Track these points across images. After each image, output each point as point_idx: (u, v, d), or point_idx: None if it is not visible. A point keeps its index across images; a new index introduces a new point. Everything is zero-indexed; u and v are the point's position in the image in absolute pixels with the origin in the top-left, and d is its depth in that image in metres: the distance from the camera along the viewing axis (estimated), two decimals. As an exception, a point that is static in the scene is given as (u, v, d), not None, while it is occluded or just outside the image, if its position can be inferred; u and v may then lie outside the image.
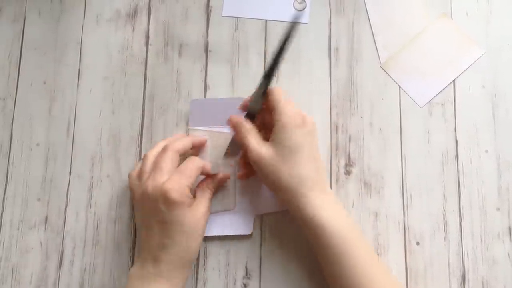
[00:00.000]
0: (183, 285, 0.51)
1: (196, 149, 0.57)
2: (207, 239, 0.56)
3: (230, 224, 0.56)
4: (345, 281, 0.49)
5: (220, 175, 0.56)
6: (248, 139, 0.52)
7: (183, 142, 0.54)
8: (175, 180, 0.51)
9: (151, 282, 0.49)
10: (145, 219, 0.52)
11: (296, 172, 0.51)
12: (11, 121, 0.60)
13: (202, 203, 0.53)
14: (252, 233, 0.56)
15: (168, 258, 0.50)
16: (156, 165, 0.52)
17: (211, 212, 0.55)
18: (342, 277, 0.49)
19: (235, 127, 0.54)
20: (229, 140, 0.56)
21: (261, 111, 0.55)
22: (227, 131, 0.57)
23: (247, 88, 0.60)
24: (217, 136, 0.57)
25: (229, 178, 0.56)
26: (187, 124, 0.59)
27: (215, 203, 0.56)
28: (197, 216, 0.51)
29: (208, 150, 0.57)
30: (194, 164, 0.53)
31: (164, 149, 0.53)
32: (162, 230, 0.50)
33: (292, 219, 0.53)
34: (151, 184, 0.51)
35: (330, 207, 0.51)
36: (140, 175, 0.53)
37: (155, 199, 0.50)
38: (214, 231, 0.56)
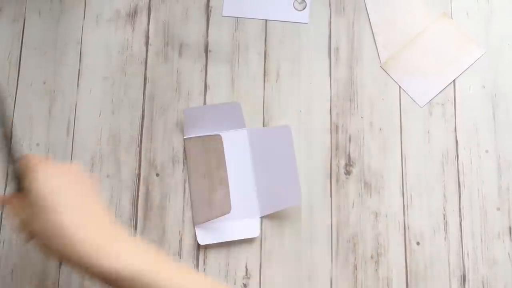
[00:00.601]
0: None
1: None
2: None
3: (236, 228, 0.56)
4: None
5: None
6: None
7: None
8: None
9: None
10: None
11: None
12: (11, 121, 0.60)
13: None
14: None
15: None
16: None
17: (233, 217, 0.56)
18: None
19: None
20: (228, 143, 0.57)
21: None
22: (224, 134, 0.58)
23: (247, 88, 0.60)
24: (210, 140, 0.58)
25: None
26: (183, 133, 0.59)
27: (236, 209, 0.56)
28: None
29: (203, 155, 0.58)
30: None
31: None
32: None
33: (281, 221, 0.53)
34: None
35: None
36: None
37: None
38: (221, 237, 0.56)
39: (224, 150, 0.57)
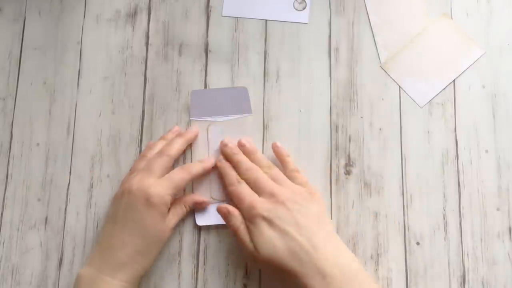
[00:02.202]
0: None
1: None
2: (206, 237, 0.56)
3: None
4: None
5: (201, 199, 0.56)
6: (239, 238, 0.51)
7: (178, 147, 0.55)
8: (162, 186, 0.52)
9: (97, 279, 0.50)
10: (119, 213, 0.52)
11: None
12: (11, 121, 0.60)
13: (173, 219, 0.54)
14: None
15: (122, 257, 0.50)
16: (148, 166, 0.54)
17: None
18: None
19: (224, 216, 0.52)
20: (231, 127, 0.58)
21: None
22: (228, 119, 0.58)
23: (247, 88, 0.60)
24: (217, 125, 0.58)
25: (208, 205, 0.56)
26: (189, 115, 0.59)
27: (212, 192, 0.57)
28: (164, 229, 0.53)
29: (209, 139, 0.58)
30: (185, 175, 0.54)
31: (160, 153, 0.55)
32: (129, 227, 0.51)
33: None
34: (137, 183, 0.52)
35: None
36: (132, 171, 0.55)
37: (136, 198, 0.51)
38: (219, 220, 0.55)
39: (228, 134, 0.58)
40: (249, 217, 0.50)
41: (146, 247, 0.51)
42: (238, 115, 0.59)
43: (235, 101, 0.59)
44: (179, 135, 0.57)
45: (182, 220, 0.56)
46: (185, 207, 0.55)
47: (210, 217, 0.56)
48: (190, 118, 0.59)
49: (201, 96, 0.59)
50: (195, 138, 0.57)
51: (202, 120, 0.58)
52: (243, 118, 0.59)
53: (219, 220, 0.55)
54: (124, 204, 0.52)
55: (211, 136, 0.58)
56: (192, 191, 0.57)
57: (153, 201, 0.51)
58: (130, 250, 0.51)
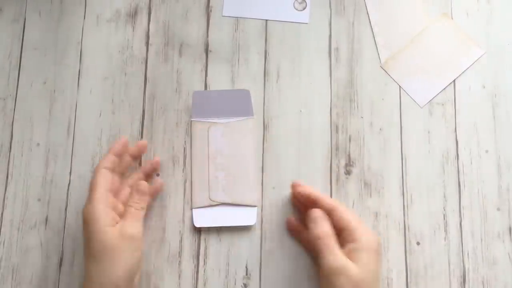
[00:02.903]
0: None
1: (120, 153, 0.54)
2: (207, 237, 0.56)
3: (233, 215, 0.56)
4: None
5: (151, 189, 0.54)
6: (331, 244, 0.49)
7: (105, 157, 0.53)
8: (89, 198, 0.50)
9: None
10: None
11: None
12: (11, 121, 0.60)
13: (128, 223, 0.50)
14: (254, 224, 0.56)
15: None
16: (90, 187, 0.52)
17: (231, 203, 0.56)
18: None
19: (315, 221, 0.51)
20: (232, 129, 0.57)
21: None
22: (229, 121, 0.58)
23: (247, 88, 0.60)
24: (218, 127, 0.58)
25: (160, 191, 0.55)
26: (190, 116, 0.59)
27: (235, 196, 0.56)
28: (119, 236, 0.49)
29: (209, 141, 0.58)
30: (98, 178, 0.51)
31: (95, 170, 0.53)
32: (86, 255, 0.49)
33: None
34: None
35: None
36: None
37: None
38: (216, 222, 0.56)
39: (228, 137, 0.58)
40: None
41: (108, 266, 0.48)
42: (239, 117, 0.58)
43: (237, 103, 0.59)
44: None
45: (181, 221, 0.56)
46: (137, 207, 0.52)
47: (208, 219, 0.56)
48: (191, 119, 0.58)
49: (203, 97, 0.59)
50: (119, 148, 0.54)
51: (203, 121, 0.58)
52: (245, 120, 0.58)
53: (217, 222, 0.55)
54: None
55: (211, 138, 0.58)
56: (191, 193, 0.57)
57: (83, 216, 0.50)
58: (95, 277, 0.48)
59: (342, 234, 0.50)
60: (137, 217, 0.52)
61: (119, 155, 0.54)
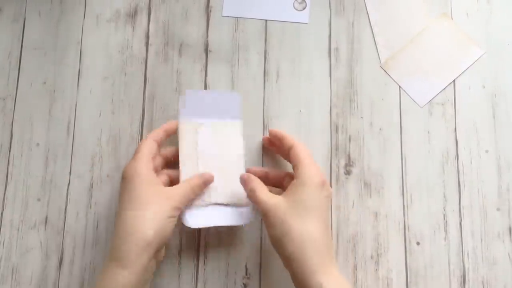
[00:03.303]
0: (145, 274, 0.48)
1: (169, 133, 0.56)
2: (207, 237, 0.56)
3: (226, 214, 0.55)
4: None
5: (206, 175, 0.55)
6: (257, 191, 0.51)
7: (155, 131, 0.55)
8: (134, 158, 0.52)
9: (107, 270, 0.48)
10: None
11: (309, 231, 0.48)
12: (11, 121, 0.60)
13: (176, 192, 0.51)
14: (247, 224, 0.55)
15: (121, 236, 0.48)
16: (134, 152, 0.54)
17: (224, 204, 0.55)
18: None
19: (244, 182, 0.53)
20: (221, 131, 0.57)
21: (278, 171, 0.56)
22: (219, 121, 0.57)
23: (247, 88, 0.60)
24: (207, 127, 0.57)
25: (212, 179, 0.55)
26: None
27: (227, 196, 0.55)
28: (157, 195, 0.50)
29: (198, 141, 0.57)
30: (145, 143, 0.53)
31: (142, 140, 0.55)
32: (119, 205, 0.50)
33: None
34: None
35: (338, 282, 0.47)
36: None
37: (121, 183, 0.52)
38: (210, 221, 0.55)
39: (218, 138, 0.57)
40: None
41: (135, 217, 0.49)
42: (228, 120, 0.57)
43: (226, 106, 0.58)
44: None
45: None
46: (193, 189, 0.53)
47: (200, 219, 0.55)
48: (179, 119, 0.56)
49: (193, 97, 0.58)
50: (170, 128, 0.56)
51: (192, 121, 0.57)
52: (233, 123, 0.57)
53: (210, 222, 0.54)
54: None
55: (200, 139, 0.57)
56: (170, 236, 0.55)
57: (123, 173, 0.51)
58: (121, 228, 0.49)
59: (294, 170, 0.52)
60: (186, 192, 0.52)
61: (168, 133, 0.56)
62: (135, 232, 0.48)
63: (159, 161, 0.55)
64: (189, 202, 0.54)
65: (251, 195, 0.52)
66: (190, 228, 0.54)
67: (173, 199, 0.51)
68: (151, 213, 0.49)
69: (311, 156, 0.52)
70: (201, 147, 0.56)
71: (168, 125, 0.56)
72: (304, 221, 0.48)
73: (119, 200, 0.51)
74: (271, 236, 0.49)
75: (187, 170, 0.55)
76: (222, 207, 0.55)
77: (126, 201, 0.50)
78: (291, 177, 0.53)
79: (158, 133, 0.55)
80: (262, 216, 0.50)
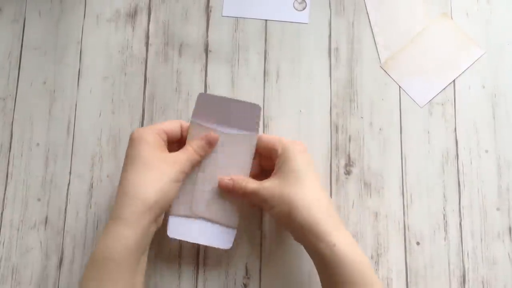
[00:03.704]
0: (145, 237, 0.48)
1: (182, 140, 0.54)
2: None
3: (209, 233, 0.54)
4: None
5: (209, 136, 0.53)
6: (247, 184, 0.51)
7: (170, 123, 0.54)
8: (145, 126, 0.52)
9: (110, 228, 0.48)
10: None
11: (310, 195, 0.49)
12: (11, 121, 0.60)
13: (179, 154, 0.52)
14: (227, 248, 0.54)
15: (123, 197, 0.48)
16: None
17: (212, 220, 0.54)
18: None
19: (228, 185, 0.53)
20: (232, 142, 0.54)
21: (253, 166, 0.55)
22: (231, 132, 0.54)
23: (247, 88, 0.60)
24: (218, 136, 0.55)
25: (216, 139, 0.53)
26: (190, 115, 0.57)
27: (217, 213, 0.54)
28: (163, 159, 0.50)
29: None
30: (168, 121, 0.53)
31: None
32: (123, 167, 0.50)
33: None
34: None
35: (348, 240, 0.48)
36: None
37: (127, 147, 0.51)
38: (191, 237, 0.53)
39: (226, 150, 0.54)
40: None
41: (139, 177, 0.49)
42: (243, 131, 0.54)
43: (244, 116, 0.54)
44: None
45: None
46: (195, 150, 0.53)
47: (183, 232, 0.53)
48: (191, 119, 0.54)
49: (208, 101, 0.54)
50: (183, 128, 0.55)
51: (203, 125, 0.54)
52: (247, 136, 0.54)
53: (192, 237, 0.53)
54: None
55: None
56: (172, 202, 0.53)
57: (132, 135, 0.51)
58: (125, 186, 0.50)
59: (272, 157, 0.53)
60: (190, 156, 0.52)
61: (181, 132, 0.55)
62: (138, 194, 0.48)
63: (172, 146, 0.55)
64: (195, 165, 0.53)
65: (242, 191, 0.52)
66: (168, 237, 0.53)
67: (178, 163, 0.51)
68: (155, 176, 0.49)
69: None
70: (207, 155, 0.54)
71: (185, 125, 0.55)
72: (302, 189, 0.49)
73: (124, 162, 0.51)
74: (277, 215, 0.50)
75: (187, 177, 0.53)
76: (209, 225, 0.54)
77: (130, 164, 0.50)
78: (275, 151, 0.52)
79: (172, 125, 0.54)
80: (262, 204, 0.51)
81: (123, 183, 0.49)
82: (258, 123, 0.54)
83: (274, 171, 0.52)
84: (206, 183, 0.54)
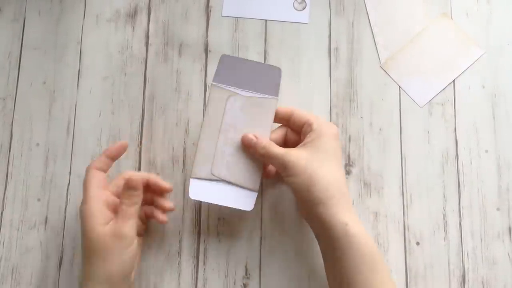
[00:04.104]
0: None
1: (114, 156, 0.54)
2: (206, 237, 0.56)
3: (231, 195, 0.54)
4: None
5: (164, 185, 0.54)
6: (271, 147, 0.52)
7: (97, 158, 0.53)
8: (83, 198, 0.50)
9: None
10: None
11: (332, 175, 0.50)
12: (11, 121, 0.60)
13: (120, 221, 0.49)
14: (249, 210, 0.54)
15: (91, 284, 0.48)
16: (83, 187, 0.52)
17: (233, 183, 0.53)
18: None
19: (253, 142, 0.53)
20: (252, 105, 0.54)
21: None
22: (251, 95, 0.54)
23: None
24: (238, 99, 0.54)
25: (169, 190, 0.54)
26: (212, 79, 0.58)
27: (238, 175, 0.54)
28: (111, 235, 0.49)
29: (225, 111, 0.54)
30: (88, 177, 0.51)
31: (86, 170, 0.52)
32: (82, 253, 0.50)
33: (299, 221, 0.53)
34: None
35: (359, 223, 0.49)
36: None
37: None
38: (213, 198, 0.53)
39: (247, 112, 0.54)
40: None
41: (102, 264, 0.49)
42: (264, 94, 0.54)
43: (264, 79, 0.54)
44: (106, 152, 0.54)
45: (181, 221, 0.56)
46: (130, 203, 0.50)
47: (204, 193, 0.53)
48: (212, 82, 0.55)
49: (230, 63, 0.55)
50: (116, 152, 0.54)
51: (224, 88, 0.54)
52: (268, 99, 0.54)
53: (213, 199, 0.53)
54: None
55: (229, 108, 0.54)
56: (194, 161, 0.54)
57: (80, 215, 0.50)
58: (91, 273, 0.49)
59: (303, 130, 0.54)
60: (129, 214, 0.50)
61: (113, 158, 0.54)
62: (102, 283, 0.48)
63: (113, 187, 0.54)
64: (135, 214, 0.51)
65: (265, 152, 0.52)
66: (190, 199, 0.53)
67: (127, 235, 0.49)
68: (111, 260, 0.49)
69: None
70: (227, 117, 0.54)
71: (109, 150, 0.53)
72: (326, 167, 0.50)
73: (81, 244, 0.50)
74: (295, 185, 0.50)
75: (206, 138, 0.54)
76: (229, 187, 0.54)
77: (85, 252, 0.49)
78: (309, 126, 0.53)
79: (101, 160, 0.53)
80: (282, 170, 0.51)
81: (86, 274, 0.49)
82: (278, 87, 0.55)
83: (303, 143, 0.52)
84: (227, 145, 0.54)
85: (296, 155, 0.51)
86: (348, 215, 0.49)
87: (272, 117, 0.55)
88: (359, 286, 0.47)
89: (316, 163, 0.50)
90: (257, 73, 0.55)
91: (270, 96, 0.55)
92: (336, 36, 0.62)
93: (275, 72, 0.55)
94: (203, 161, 0.54)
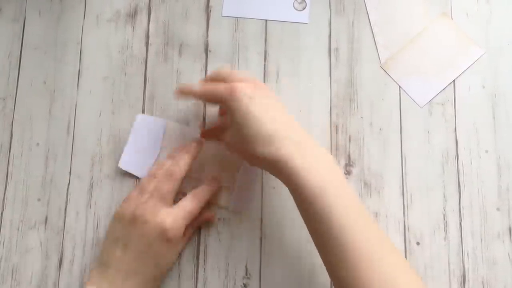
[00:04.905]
0: None
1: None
2: (207, 237, 0.56)
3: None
4: (332, 242, 0.44)
5: (206, 215, 0.56)
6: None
7: (185, 168, 0.53)
8: (177, 218, 0.52)
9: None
10: (132, 241, 0.51)
11: (257, 113, 0.47)
12: (11, 121, 0.60)
13: (183, 243, 0.55)
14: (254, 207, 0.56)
15: (132, 285, 0.51)
16: (160, 191, 0.52)
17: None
18: (326, 241, 0.45)
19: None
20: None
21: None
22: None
23: (247, 88, 0.60)
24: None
25: (212, 218, 0.56)
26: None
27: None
28: (175, 254, 0.54)
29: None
30: (197, 204, 0.53)
31: (169, 175, 0.53)
32: (143, 258, 0.51)
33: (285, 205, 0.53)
34: (152, 213, 0.51)
35: (308, 157, 0.46)
36: (141, 191, 0.53)
37: (152, 231, 0.51)
38: (134, 169, 0.57)
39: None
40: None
41: (157, 276, 0.53)
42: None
43: (276, 2, 0.56)
44: (184, 150, 0.55)
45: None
46: (192, 228, 0.56)
47: (134, 165, 0.57)
48: (222, 15, 0.57)
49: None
50: (198, 153, 0.55)
51: (233, 17, 0.56)
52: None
53: (141, 173, 0.57)
54: (138, 233, 0.51)
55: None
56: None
57: (170, 236, 0.51)
58: (141, 279, 0.51)
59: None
60: (189, 237, 0.56)
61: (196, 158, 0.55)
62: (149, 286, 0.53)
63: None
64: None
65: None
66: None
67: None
68: (163, 276, 0.55)
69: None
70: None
71: (192, 154, 0.55)
72: (263, 120, 0.47)
73: (129, 240, 0.52)
74: (237, 147, 0.50)
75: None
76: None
77: (154, 264, 0.52)
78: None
79: (187, 167, 0.54)
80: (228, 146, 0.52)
81: (139, 278, 0.52)
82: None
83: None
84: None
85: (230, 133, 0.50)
86: (293, 149, 0.46)
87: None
88: (316, 242, 0.47)
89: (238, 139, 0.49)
90: None
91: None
92: (336, 36, 0.62)
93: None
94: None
